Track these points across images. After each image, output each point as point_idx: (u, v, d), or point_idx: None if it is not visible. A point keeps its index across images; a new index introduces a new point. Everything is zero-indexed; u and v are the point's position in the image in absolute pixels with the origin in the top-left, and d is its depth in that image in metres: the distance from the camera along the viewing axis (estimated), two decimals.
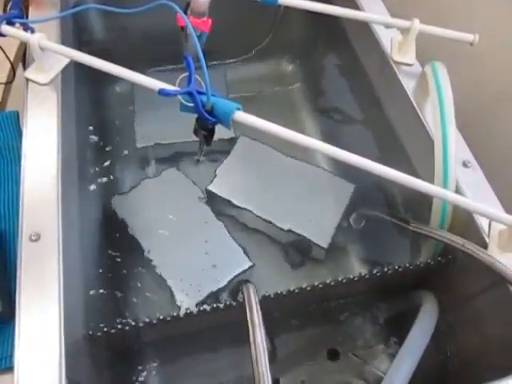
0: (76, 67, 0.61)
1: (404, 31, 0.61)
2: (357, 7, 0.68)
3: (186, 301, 0.62)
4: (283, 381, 0.64)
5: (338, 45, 0.79)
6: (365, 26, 0.67)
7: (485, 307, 0.52)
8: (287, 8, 0.63)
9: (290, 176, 0.74)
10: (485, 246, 0.48)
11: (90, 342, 0.47)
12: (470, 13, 0.69)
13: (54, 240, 0.44)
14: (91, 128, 0.74)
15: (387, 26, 0.64)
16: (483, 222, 0.49)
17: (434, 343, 0.53)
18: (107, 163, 0.76)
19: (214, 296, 0.63)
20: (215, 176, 0.73)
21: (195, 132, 0.50)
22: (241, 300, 0.48)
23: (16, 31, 0.53)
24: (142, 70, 0.51)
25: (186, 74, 0.46)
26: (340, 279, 0.52)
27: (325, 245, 0.68)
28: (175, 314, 0.49)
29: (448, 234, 0.50)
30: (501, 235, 0.48)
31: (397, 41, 0.63)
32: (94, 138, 0.74)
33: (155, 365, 0.64)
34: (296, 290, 0.51)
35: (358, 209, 0.71)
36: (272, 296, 0.50)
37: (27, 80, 0.55)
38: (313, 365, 0.66)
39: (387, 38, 0.64)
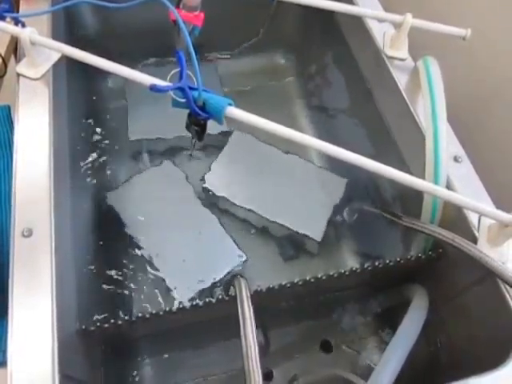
0: (68, 62, 0.60)
1: (397, 26, 0.61)
2: (350, 1, 0.68)
3: (180, 295, 0.63)
4: (276, 373, 0.65)
5: (331, 39, 0.78)
6: (358, 20, 0.67)
7: (474, 300, 0.52)
8: (281, 2, 0.63)
9: (283, 170, 0.74)
10: (474, 240, 0.48)
11: (84, 336, 0.47)
12: (463, 7, 0.68)
13: (46, 235, 0.44)
14: (83, 122, 0.74)
15: (380, 20, 0.64)
16: (473, 217, 0.50)
17: (425, 335, 0.53)
18: (100, 157, 0.75)
19: (207, 290, 0.64)
20: (209, 171, 0.73)
21: (187, 127, 0.50)
22: (233, 294, 0.49)
23: (6, 26, 0.53)
24: (134, 63, 0.51)
25: (178, 69, 0.46)
26: (332, 273, 0.52)
27: (318, 238, 0.68)
28: (168, 308, 0.49)
29: (438, 229, 0.50)
30: (490, 230, 0.48)
31: (390, 35, 0.63)
32: (87, 132, 0.74)
33: (149, 358, 0.64)
34: (288, 285, 0.51)
35: (350, 203, 0.72)
36: (264, 290, 0.51)
37: (18, 75, 0.54)
38: (306, 357, 0.66)
39: (380, 33, 0.64)
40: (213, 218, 0.70)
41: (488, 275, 0.48)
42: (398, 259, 0.54)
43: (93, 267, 0.61)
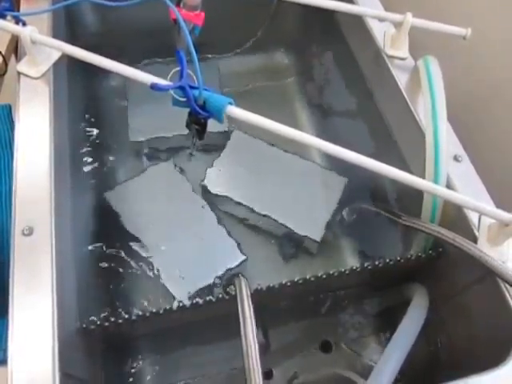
0: (68, 60, 0.60)
1: (397, 25, 0.61)
2: (350, 1, 0.68)
3: (179, 294, 0.63)
4: (276, 372, 0.65)
5: (331, 38, 0.78)
6: (358, 20, 0.67)
7: (474, 299, 0.52)
8: (281, 1, 0.63)
9: (283, 170, 0.74)
10: (475, 239, 0.48)
11: (84, 335, 0.48)
12: (463, 7, 0.69)
13: (46, 234, 0.44)
14: (84, 121, 0.74)
15: (380, 19, 0.64)
16: (473, 216, 0.50)
17: (425, 335, 0.54)
18: (100, 156, 0.75)
19: (207, 289, 0.64)
20: (209, 170, 0.73)
21: (188, 126, 0.50)
22: (233, 293, 0.49)
23: (7, 24, 0.53)
24: (134, 62, 0.51)
25: (179, 68, 0.46)
26: (332, 272, 0.52)
27: (317, 238, 0.68)
28: (168, 306, 0.49)
29: (438, 228, 0.50)
30: (490, 229, 0.48)
31: (390, 34, 0.64)
32: (87, 131, 0.74)
33: (149, 357, 0.64)
34: (288, 283, 0.51)
35: (350, 202, 0.72)
36: (264, 289, 0.51)
37: (19, 74, 0.55)
38: (306, 356, 0.66)
39: (381, 32, 0.65)
40: (213, 217, 0.70)
41: (488, 274, 0.48)
42: (398, 258, 0.54)
43: (93, 265, 0.61)
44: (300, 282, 0.51)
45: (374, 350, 0.67)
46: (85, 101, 0.76)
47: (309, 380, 0.64)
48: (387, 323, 0.68)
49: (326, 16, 0.73)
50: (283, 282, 0.51)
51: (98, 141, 0.78)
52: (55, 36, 0.58)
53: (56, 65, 0.56)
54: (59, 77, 0.57)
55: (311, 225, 0.69)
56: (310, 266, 0.72)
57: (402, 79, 0.60)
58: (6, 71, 0.63)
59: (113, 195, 0.71)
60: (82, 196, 0.64)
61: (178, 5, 0.50)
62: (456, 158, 0.54)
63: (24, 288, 0.41)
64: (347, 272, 0.53)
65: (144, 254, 0.66)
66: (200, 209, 0.71)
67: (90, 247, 0.62)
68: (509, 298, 0.46)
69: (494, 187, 0.52)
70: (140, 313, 0.48)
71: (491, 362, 0.44)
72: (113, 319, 0.48)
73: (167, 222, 0.69)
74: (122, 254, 0.68)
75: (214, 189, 0.72)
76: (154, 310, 0.49)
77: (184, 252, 0.67)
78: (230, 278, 0.53)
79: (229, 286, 0.51)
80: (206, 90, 0.46)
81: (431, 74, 0.55)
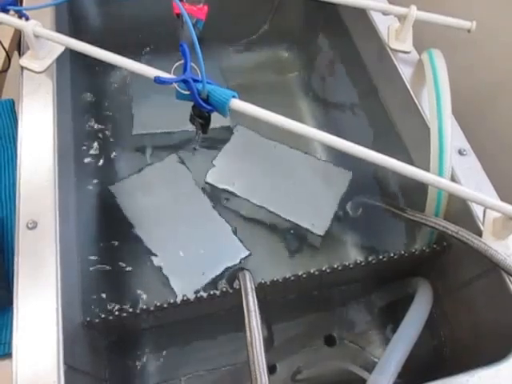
0: (71, 55, 0.60)
1: (401, 18, 0.61)
2: None
3: (183, 288, 0.63)
4: (280, 366, 0.65)
5: (335, 32, 0.78)
6: (362, 13, 0.67)
7: (478, 293, 0.52)
8: None
9: (287, 165, 0.74)
10: (479, 233, 0.48)
11: (88, 328, 0.48)
12: (468, 2, 0.68)
13: (50, 227, 0.44)
14: (87, 115, 0.74)
15: (384, 12, 0.63)
16: (478, 210, 0.50)
17: (429, 329, 0.53)
18: (104, 151, 0.75)
19: (211, 283, 0.64)
20: (213, 165, 0.73)
21: (191, 120, 0.50)
22: (237, 287, 0.49)
23: (10, 18, 0.53)
24: (137, 56, 0.51)
25: (182, 61, 0.45)
26: (336, 266, 0.52)
27: (321, 233, 0.68)
28: (172, 300, 0.49)
29: (443, 222, 0.50)
30: (495, 223, 0.48)
31: (394, 28, 0.63)
32: (91, 125, 0.74)
33: (153, 351, 0.64)
34: (292, 278, 0.51)
35: (354, 197, 0.72)
36: (268, 283, 0.51)
37: (22, 68, 0.55)
38: (309, 351, 0.66)
39: (384, 25, 0.64)
40: (216, 213, 0.70)
41: (492, 268, 0.47)
42: (403, 252, 0.54)
43: (96, 260, 0.61)
44: (304, 276, 0.51)
45: (378, 344, 0.67)
46: (88, 95, 0.76)
47: (313, 374, 0.64)
48: (391, 317, 0.68)
49: (330, 10, 0.73)
50: (287, 276, 0.51)
51: (101, 135, 0.78)
52: (58, 30, 0.57)
53: (59, 59, 0.56)
54: (62, 71, 0.57)
55: (315, 219, 0.69)
56: (314, 260, 0.72)
57: (406, 73, 0.60)
58: (9, 67, 0.63)
59: (117, 189, 0.71)
60: (85, 190, 0.65)
61: None
62: (460, 152, 0.54)
63: (28, 281, 0.42)
64: (351, 266, 0.52)
65: (148, 249, 0.66)
66: (203, 204, 0.71)
67: (93, 241, 0.62)
68: None
69: (499, 180, 0.52)
70: (144, 306, 0.49)
71: (495, 355, 0.44)
72: (117, 313, 0.48)
73: (171, 216, 0.69)
74: (126, 247, 0.69)
75: (218, 183, 0.72)
76: (158, 304, 0.49)
77: (188, 246, 0.67)
78: (233, 272, 0.53)
79: (233, 281, 0.51)
80: (209, 83, 0.45)
81: (436, 67, 0.55)
